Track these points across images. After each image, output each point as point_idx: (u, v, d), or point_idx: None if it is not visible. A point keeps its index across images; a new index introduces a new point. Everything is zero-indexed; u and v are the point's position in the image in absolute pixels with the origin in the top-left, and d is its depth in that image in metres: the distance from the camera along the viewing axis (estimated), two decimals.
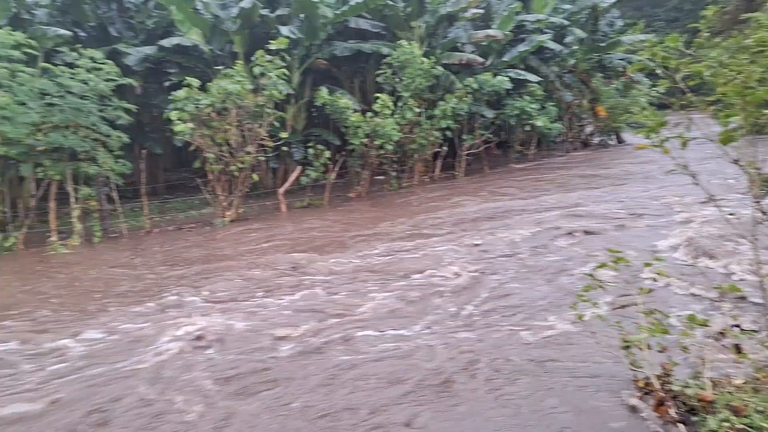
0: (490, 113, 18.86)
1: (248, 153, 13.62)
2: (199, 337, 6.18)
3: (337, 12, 16.86)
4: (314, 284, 7.97)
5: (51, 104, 12.31)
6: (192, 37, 15.89)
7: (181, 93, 13.04)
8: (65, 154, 12.55)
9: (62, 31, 14.19)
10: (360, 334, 5.99)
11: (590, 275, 4.48)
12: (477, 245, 9.49)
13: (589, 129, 25.73)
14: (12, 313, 7.64)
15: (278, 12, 16.85)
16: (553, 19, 21.54)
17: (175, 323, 6.63)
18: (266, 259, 9.64)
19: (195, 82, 13.06)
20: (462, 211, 12.78)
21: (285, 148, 15.06)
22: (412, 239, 10.30)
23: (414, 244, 9.90)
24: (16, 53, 12.28)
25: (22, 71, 12.27)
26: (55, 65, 12.66)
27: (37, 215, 12.92)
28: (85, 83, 12.54)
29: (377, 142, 15.25)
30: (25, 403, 4.91)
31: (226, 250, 10.83)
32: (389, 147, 15.37)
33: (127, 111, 13.23)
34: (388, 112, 15.41)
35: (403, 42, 16.48)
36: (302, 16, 16.73)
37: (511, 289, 7.14)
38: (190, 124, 12.95)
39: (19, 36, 12.34)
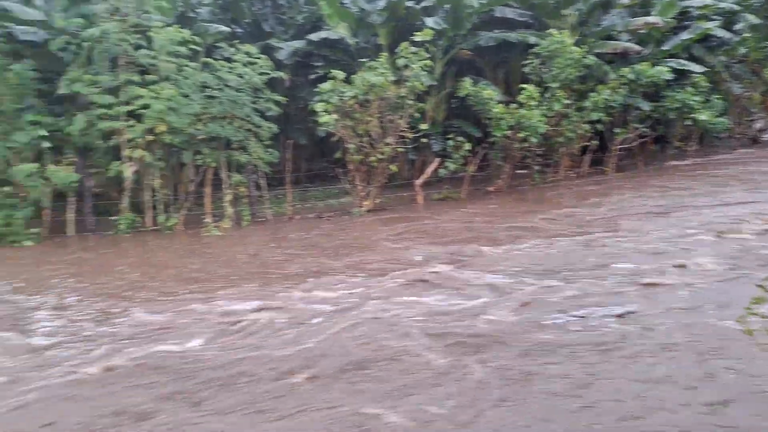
0: (646, 106, 17.42)
1: (388, 144, 13.69)
2: (402, 306, 6.65)
3: (483, 1, 16.43)
4: (488, 272, 7.86)
5: (211, 96, 13.22)
6: (339, 30, 16.31)
7: (326, 85, 13.42)
8: (221, 143, 13.42)
9: (222, 28, 15.16)
10: (555, 316, 6.00)
11: (761, 287, 3.83)
12: (662, 239, 8.93)
13: (759, 125, 22.98)
14: (208, 286, 8.29)
15: (423, 3, 16.77)
16: (721, 5, 19.43)
17: (366, 295, 7.13)
18: (419, 247, 9.66)
19: (340, 74, 13.36)
20: (629, 206, 12.00)
21: (424, 140, 14.97)
22: (577, 234, 9.76)
23: (583, 238, 9.40)
24: (183, 49, 13.30)
25: (187, 66, 13.28)
26: (215, 60, 13.55)
27: (194, 199, 13.90)
28: (241, 77, 13.30)
29: (521, 135, 14.66)
30: (291, 347, 5.68)
31: (371, 238, 11.08)
32: (534, 140, 14.71)
33: (277, 103, 13.85)
34: (533, 103, 14.76)
35: (553, 31, 15.69)
36: (447, 6, 16.50)
37: (711, 283, 6.76)
38: (334, 116, 13.28)
39: (185, 33, 13.35)
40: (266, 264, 9.53)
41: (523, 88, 15.00)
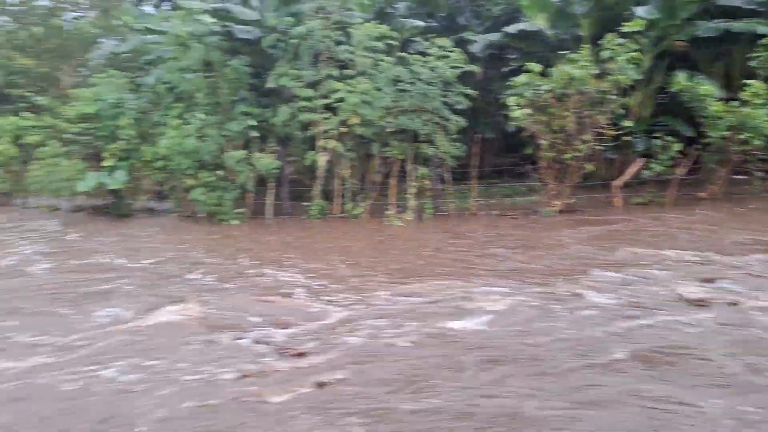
0: None
1: (585, 141, 12.75)
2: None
3: None
4: (742, 281, 7.16)
5: (402, 90, 13.36)
6: (537, 22, 15.63)
7: (521, 78, 12.89)
8: (409, 135, 13.51)
9: (417, 23, 15.32)
10: None
11: None
12: None
13: None
14: (429, 272, 8.40)
15: None
16: None
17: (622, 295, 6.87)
18: (631, 253, 8.95)
19: (536, 67, 12.75)
20: None
21: (626, 138, 13.72)
22: None
23: None
24: (379, 44, 13.63)
25: (383, 60, 13.55)
26: (409, 54, 13.68)
27: (380, 189, 14.17)
28: (433, 70, 13.25)
29: (742, 136, 12.78)
30: (568, 333, 5.73)
31: (566, 239, 10.34)
32: (758, 142, 12.74)
33: (467, 96, 13.60)
34: (759, 101, 12.79)
35: None
36: None
37: None
38: (527, 110, 12.71)
39: (383, 29, 13.66)
40: (468, 258, 9.32)
41: (747, 84, 13.08)
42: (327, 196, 14.08)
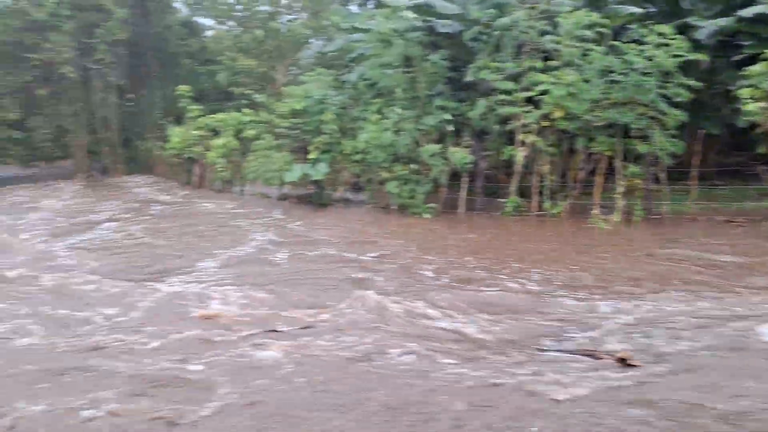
0: None
1: None
2: None
3: None
4: None
5: (613, 81, 12.36)
6: None
7: (757, 68, 11.39)
8: (618, 130, 12.45)
9: (634, 9, 14.10)
10: None
11: None
12: None
13: None
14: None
15: None
16: None
17: None
18: None
19: None
20: None
21: None
22: None
23: None
24: (589, 33, 12.73)
25: (592, 50, 12.63)
26: (623, 43, 12.59)
27: (582, 187, 13.23)
28: (650, 59, 12.06)
29: None
30: None
31: None
32: None
33: (689, 88, 12.19)
34: None
35: None
36: None
37: None
38: (763, 104, 11.08)
39: (593, 16, 12.74)
40: (706, 269, 8.45)
41: None
42: (522, 192, 13.48)
